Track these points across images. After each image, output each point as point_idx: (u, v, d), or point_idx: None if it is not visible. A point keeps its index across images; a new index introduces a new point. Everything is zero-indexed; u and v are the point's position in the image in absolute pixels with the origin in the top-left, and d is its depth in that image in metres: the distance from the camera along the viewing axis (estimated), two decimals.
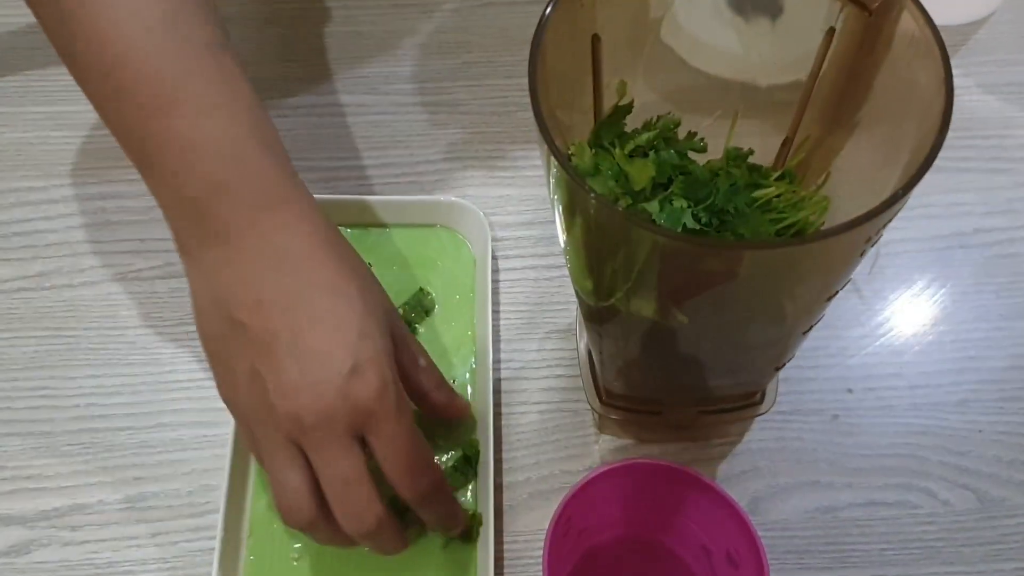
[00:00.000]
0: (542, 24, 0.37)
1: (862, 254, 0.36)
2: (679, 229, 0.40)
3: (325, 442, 0.44)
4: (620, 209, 0.33)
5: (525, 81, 0.36)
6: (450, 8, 0.72)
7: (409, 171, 0.65)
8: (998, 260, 0.62)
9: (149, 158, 0.47)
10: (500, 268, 0.62)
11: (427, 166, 0.66)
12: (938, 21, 0.36)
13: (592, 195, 0.34)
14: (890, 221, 0.35)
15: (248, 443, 0.49)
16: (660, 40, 0.45)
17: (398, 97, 0.69)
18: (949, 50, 0.36)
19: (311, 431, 0.44)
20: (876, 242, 0.36)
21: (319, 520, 0.45)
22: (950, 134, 0.68)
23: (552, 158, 0.35)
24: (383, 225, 0.62)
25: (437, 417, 0.53)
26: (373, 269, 0.58)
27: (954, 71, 0.69)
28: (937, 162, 0.68)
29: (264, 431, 0.45)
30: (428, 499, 0.48)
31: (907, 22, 0.38)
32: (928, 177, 0.65)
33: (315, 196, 0.50)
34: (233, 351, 0.46)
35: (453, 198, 0.61)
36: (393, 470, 0.46)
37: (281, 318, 0.45)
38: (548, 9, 0.37)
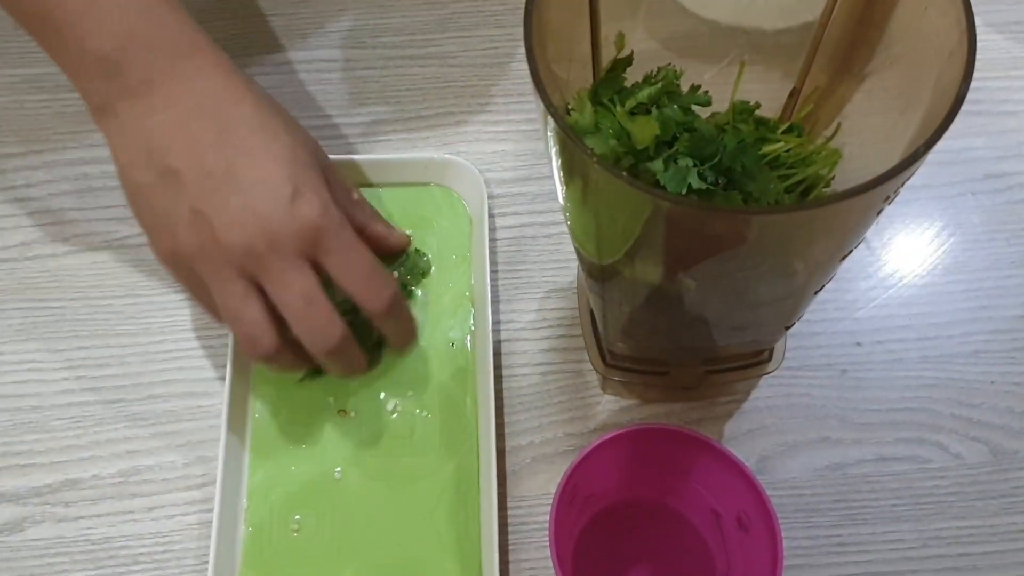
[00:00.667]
0: None
1: (879, 212, 0.35)
2: (684, 190, 0.38)
3: (279, 266, 0.46)
4: (623, 173, 0.31)
5: (516, 30, 0.34)
6: None
7: (400, 127, 0.63)
8: (1009, 206, 0.60)
9: (52, 22, 0.47)
10: (497, 226, 0.60)
11: (418, 122, 0.63)
12: None
13: (593, 158, 0.32)
14: (909, 179, 0.33)
15: (197, 294, 0.50)
16: None
17: (386, 51, 0.66)
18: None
19: (263, 258, 0.45)
20: (894, 200, 0.35)
21: (282, 346, 0.47)
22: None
23: (550, 118, 0.33)
24: (375, 185, 0.60)
25: (377, 251, 0.51)
26: None
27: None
28: None
29: (213, 270, 0.46)
30: (390, 310, 0.49)
31: None
32: None
33: None
34: (168, 199, 0.47)
35: (447, 155, 0.59)
36: (353, 282, 0.47)
37: (216, 157, 0.46)
38: None
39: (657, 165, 0.40)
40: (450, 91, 0.65)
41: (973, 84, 0.64)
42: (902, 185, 0.33)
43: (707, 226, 0.34)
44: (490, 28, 0.67)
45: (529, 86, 0.34)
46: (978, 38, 0.66)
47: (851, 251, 0.38)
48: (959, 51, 0.32)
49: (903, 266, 0.59)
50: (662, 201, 0.32)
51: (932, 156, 0.61)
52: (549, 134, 0.35)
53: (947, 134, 0.62)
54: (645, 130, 0.39)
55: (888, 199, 0.33)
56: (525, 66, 0.34)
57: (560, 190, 0.39)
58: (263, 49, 0.66)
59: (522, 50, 0.34)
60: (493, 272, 0.58)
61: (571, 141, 0.32)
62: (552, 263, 0.59)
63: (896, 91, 0.39)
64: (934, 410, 0.55)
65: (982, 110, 0.63)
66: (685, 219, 0.33)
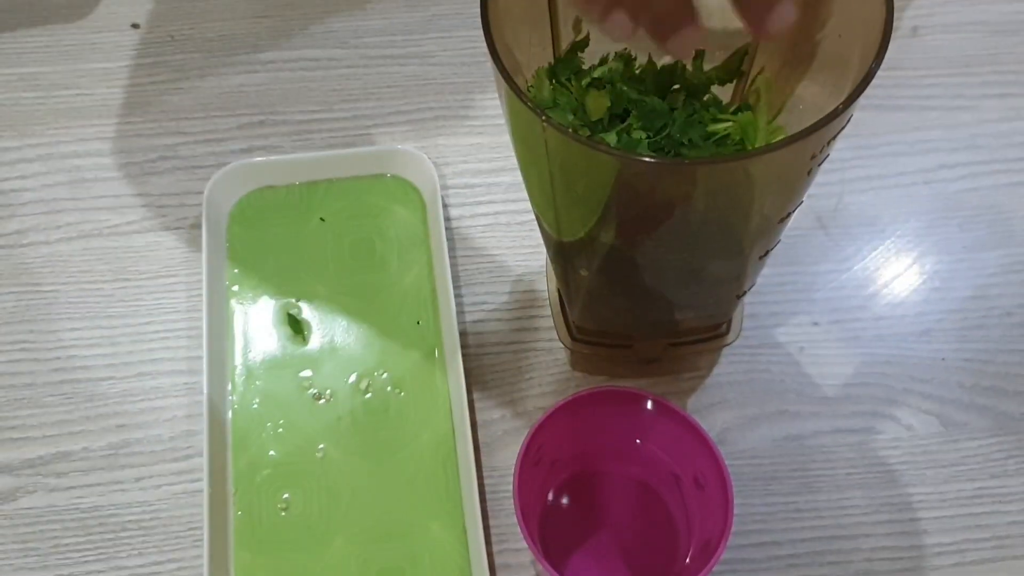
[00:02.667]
0: None
1: (809, 172, 0.37)
2: None
3: None
4: (572, 131, 0.34)
5: None
6: None
7: (381, 122, 0.66)
8: (962, 194, 0.63)
9: None
10: (473, 214, 0.63)
11: (398, 116, 0.66)
12: None
13: (543, 117, 0.34)
14: (835, 138, 0.36)
15: None
16: None
17: (367, 51, 0.69)
18: None
19: None
20: (822, 161, 0.37)
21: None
22: (914, 73, 0.69)
23: (505, 85, 0.36)
24: (332, 180, 0.63)
25: None
26: (323, 223, 0.59)
27: (918, 11, 0.70)
28: (902, 101, 0.69)
29: None
30: None
31: None
32: (893, 115, 0.67)
33: (252, 159, 0.56)
34: None
35: (399, 146, 0.62)
36: None
37: None
38: None
39: (611, 137, 0.42)
40: (429, 88, 0.68)
41: (929, 81, 0.68)
42: (828, 144, 0.36)
43: (654, 182, 0.36)
44: (469, 29, 0.70)
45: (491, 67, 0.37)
46: (933, 39, 0.70)
47: (790, 214, 0.41)
48: (878, 18, 0.35)
49: (859, 250, 0.61)
50: (607, 155, 0.34)
51: (888, 147, 0.65)
52: (506, 104, 0.38)
53: (904, 127, 0.66)
54: (598, 102, 0.41)
55: (815, 157, 0.36)
56: (496, 80, 0.37)
57: (520, 162, 0.42)
58: (250, 48, 0.69)
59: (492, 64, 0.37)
60: (466, 257, 0.61)
61: (522, 102, 0.35)
62: (524, 248, 0.61)
63: (832, 70, 0.42)
64: (888, 385, 0.57)
65: (937, 105, 0.66)
66: (632, 176, 0.36)
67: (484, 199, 0.63)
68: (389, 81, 0.68)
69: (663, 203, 0.38)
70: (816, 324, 0.59)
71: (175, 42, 0.70)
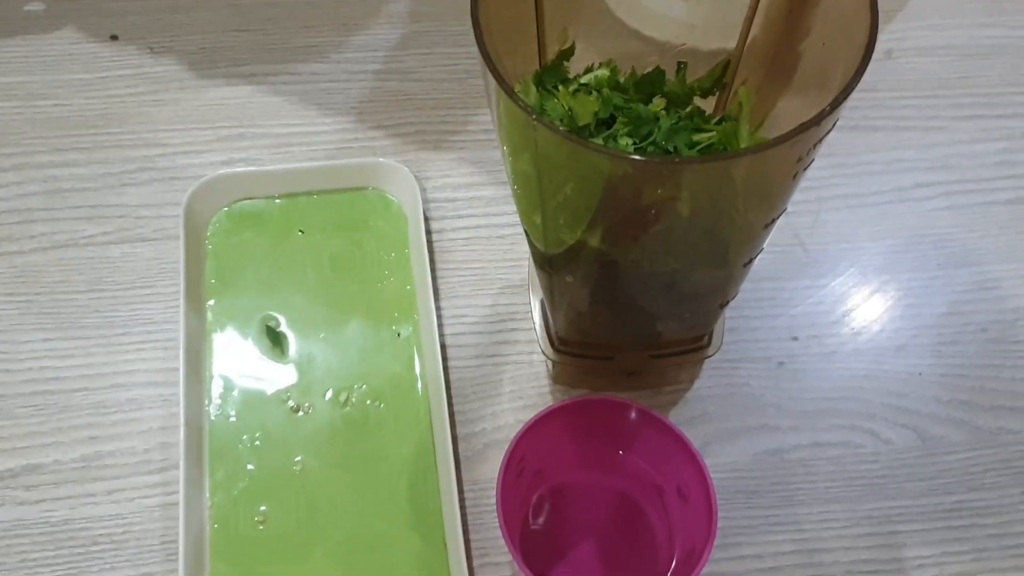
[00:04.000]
0: None
1: (794, 177, 0.38)
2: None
3: None
4: (562, 128, 0.34)
5: (475, 49, 0.37)
6: None
7: (362, 136, 0.66)
8: (936, 213, 0.64)
9: None
10: (455, 227, 0.63)
11: (380, 131, 0.66)
12: None
13: (533, 115, 0.35)
14: (819, 142, 0.37)
15: None
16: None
17: (349, 66, 0.69)
18: (886, 16, 0.38)
19: None
20: (807, 166, 0.38)
21: None
22: (889, 95, 0.70)
23: (496, 85, 0.36)
24: (312, 192, 0.63)
25: None
26: (303, 235, 0.59)
27: (892, 35, 0.72)
28: (878, 121, 0.70)
29: None
30: None
31: None
32: (869, 135, 0.68)
33: (232, 170, 0.58)
34: None
35: (380, 159, 0.62)
36: None
37: None
38: None
39: (597, 142, 0.43)
40: (410, 103, 0.68)
41: (903, 102, 0.69)
42: (813, 148, 0.36)
43: (641, 183, 0.37)
44: (449, 46, 0.71)
45: (485, 99, 0.37)
46: (907, 62, 0.71)
47: (774, 220, 0.41)
48: (861, 29, 0.36)
49: (836, 266, 0.62)
50: (597, 153, 0.34)
51: (865, 167, 0.66)
52: (496, 104, 0.38)
53: (880, 147, 0.67)
54: (586, 106, 0.42)
55: (800, 160, 0.36)
56: (483, 81, 0.37)
57: (507, 166, 0.42)
58: (231, 62, 0.69)
59: (480, 66, 0.37)
60: (448, 270, 0.61)
61: (513, 102, 0.35)
62: (505, 261, 0.61)
63: (814, 81, 0.43)
64: (866, 399, 0.58)
65: (912, 125, 0.68)
66: (619, 176, 0.36)
67: (465, 212, 0.63)
68: (370, 96, 0.68)
69: (650, 206, 0.38)
70: (795, 339, 0.59)
71: (155, 54, 0.70)
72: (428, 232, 0.62)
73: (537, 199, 0.41)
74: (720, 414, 0.57)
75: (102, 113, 0.67)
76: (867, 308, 0.61)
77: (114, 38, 0.70)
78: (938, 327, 0.60)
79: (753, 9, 0.44)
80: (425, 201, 0.63)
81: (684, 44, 0.47)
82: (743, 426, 0.57)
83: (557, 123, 0.43)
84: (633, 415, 0.48)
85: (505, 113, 0.37)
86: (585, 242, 0.42)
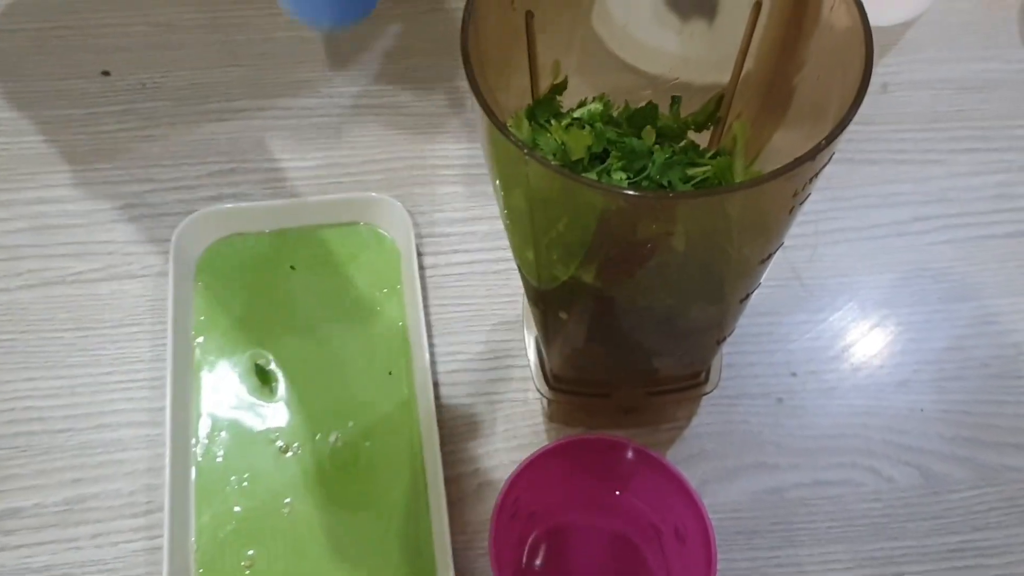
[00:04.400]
0: None
1: (791, 211, 0.37)
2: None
3: None
4: (554, 163, 0.33)
5: (467, 83, 0.36)
6: (393, 14, 0.73)
7: (354, 170, 0.66)
8: (935, 247, 0.63)
9: None
10: (448, 263, 0.62)
11: (372, 165, 0.66)
12: (871, 22, 0.37)
13: (526, 152, 0.34)
14: (816, 176, 0.36)
15: None
16: (592, 30, 0.46)
17: (341, 100, 0.69)
18: (882, 50, 0.37)
19: None
20: (803, 200, 0.37)
21: None
22: (886, 128, 0.70)
23: (486, 120, 0.35)
24: (303, 227, 0.62)
25: None
26: (294, 271, 0.58)
27: (887, 69, 0.71)
28: (875, 155, 0.70)
29: None
30: None
31: None
32: (866, 168, 0.68)
33: (221, 206, 0.58)
34: None
35: (372, 194, 0.62)
36: None
37: None
38: None
39: (590, 177, 0.42)
40: (403, 138, 0.67)
41: (899, 135, 0.69)
42: (810, 182, 0.36)
43: (636, 218, 0.36)
44: (443, 81, 0.70)
45: (471, 103, 0.36)
46: (902, 95, 0.71)
47: (771, 255, 0.40)
48: (857, 55, 0.35)
49: (834, 301, 0.61)
50: (590, 189, 0.34)
51: (862, 200, 0.65)
52: (487, 140, 0.37)
53: (876, 180, 0.66)
54: (579, 140, 0.41)
55: (797, 195, 0.36)
56: (477, 116, 0.36)
57: (499, 202, 0.41)
58: (221, 97, 0.69)
59: (471, 100, 0.36)
60: (441, 306, 0.60)
61: (505, 137, 0.34)
62: (499, 297, 0.61)
63: (810, 114, 0.42)
64: (867, 436, 0.56)
65: (907, 159, 0.67)
66: (613, 211, 0.35)
67: (460, 248, 0.63)
68: (363, 131, 0.67)
69: (645, 241, 0.37)
70: (794, 375, 0.58)
71: (146, 90, 0.69)
72: (421, 267, 0.61)
73: (530, 235, 0.40)
74: (718, 452, 0.56)
75: (92, 149, 0.66)
76: (867, 343, 0.60)
77: (105, 74, 0.70)
78: (939, 362, 0.59)
79: (747, 43, 0.44)
80: (418, 236, 0.62)
81: (678, 78, 0.47)
82: (742, 464, 0.55)
83: (550, 157, 0.42)
84: (630, 454, 0.47)
85: (496, 148, 0.37)
86: (579, 278, 0.41)
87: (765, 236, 0.39)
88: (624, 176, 0.42)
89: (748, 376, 0.58)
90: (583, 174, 0.42)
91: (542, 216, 0.38)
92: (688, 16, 0.45)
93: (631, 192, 0.33)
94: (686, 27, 0.46)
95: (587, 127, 0.43)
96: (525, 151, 0.34)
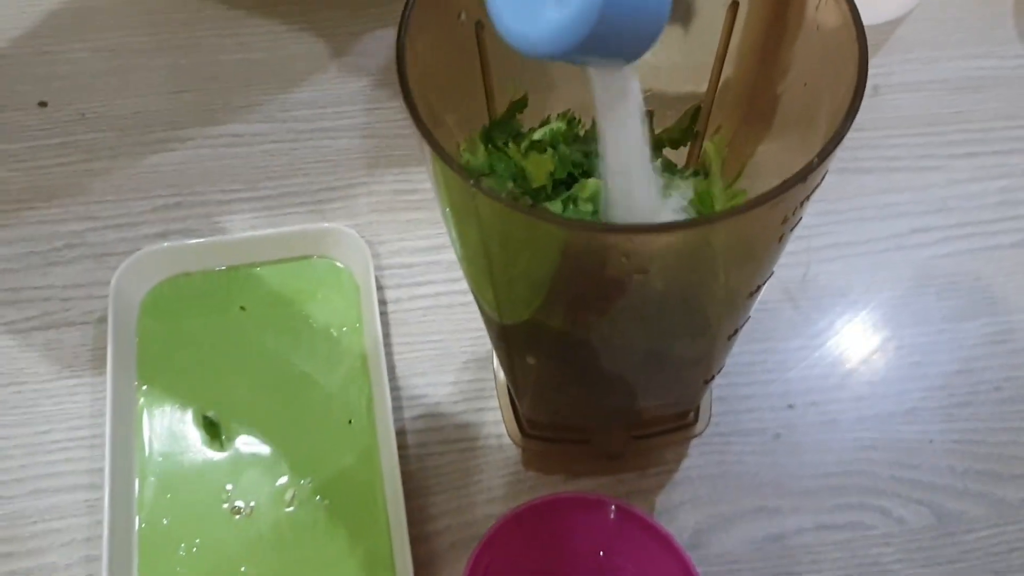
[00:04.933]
0: (410, 3, 0.33)
1: (780, 239, 0.32)
2: None
3: None
4: (508, 194, 0.29)
5: None
6: (348, 31, 0.68)
7: (309, 199, 0.61)
8: (936, 260, 0.59)
9: None
10: (412, 296, 0.57)
11: (328, 193, 0.61)
12: None
13: (473, 184, 0.29)
14: (807, 199, 0.31)
15: None
16: None
17: (295, 124, 0.64)
18: (870, 50, 0.33)
19: None
20: (794, 226, 0.32)
21: None
22: (879, 134, 0.65)
23: (429, 149, 0.31)
24: (254, 264, 0.57)
25: None
26: (245, 312, 0.54)
27: (878, 70, 0.67)
28: (868, 163, 0.65)
29: None
30: None
31: None
32: (859, 178, 0.63)
33: (165, 244, 0.53)
34: None
35: (325, 224, 0.57)
36: None
37: None
38: None
39: (555, 205, 0.37)
40: (361, 162, 0.63)
41: (893, 141, 0.64)
42: (800, 207, 0.31)
43: (604, 255, 0.31)
44: (402, 100, 0.65)
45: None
46: (895, 98, 0.66)
47: (759, 287, 0.36)
48: (850, 66, 0.31)
49: (832, 324, 0.56)
50: (548, 224, 0.29)
51: (856, 213, 0.61)
52: (431, 169, 0.33)
53: (871, 190, 0.62)
54: (539, 167, 0.36)
55: (787, 221, 0.31)
56: (417, 143, 0.32)
57: (452, 238, 0.37)
58: (168, 125, 0.64)
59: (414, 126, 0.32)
60: (405, 344, 0.55)
61: (449, 167, 0.30)
62: (468, 332, 0.56)
63: (797, 126, 0.38)
64: (873, 472, 0.52)
65: (903, 166, 0.63)
66: (579, 247, 0.31)
67: (423, 279, 0.58)
68: (319, 156, 0.63)
69: (617, 278, 0.33)
70: (791, 407, 0.54)
71: (86, 120, 0.64)
72: (382, 302, 0.56)
73: (487, 273, 0.36)
74: (713, 497, 0.51)
75: (28, 186, 0.62)
76: (868, 369, 0.55)
77: (42, 104, 0.65)
78: (948, 387, 0.54)
79: (724, 47, 0.39)
80: (378, 268, 0.58)
81: (649, 90, 0.42)
82: (739, 510, 0.51)
83: (509, 184, 0.38)
84: (612, 512, 0.42)
85: (442, 179, 0.32)
86: (545, 319, 0.36)
87: (753, 267, 0.34)
88: (591, 208, 0.37)
89: (742, 411, 0.53)
90: (547, 202, 0.37)
91: (499, 254, 0.33)
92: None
93: (597, 226, 0.28)
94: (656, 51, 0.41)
95: (549, 150, 0.38)
96: (471, 182, 0.29)
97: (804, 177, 0.29)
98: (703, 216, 0.35)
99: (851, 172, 0.62)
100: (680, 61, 0.42)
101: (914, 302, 0.57)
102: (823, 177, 0.31)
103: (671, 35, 0.41)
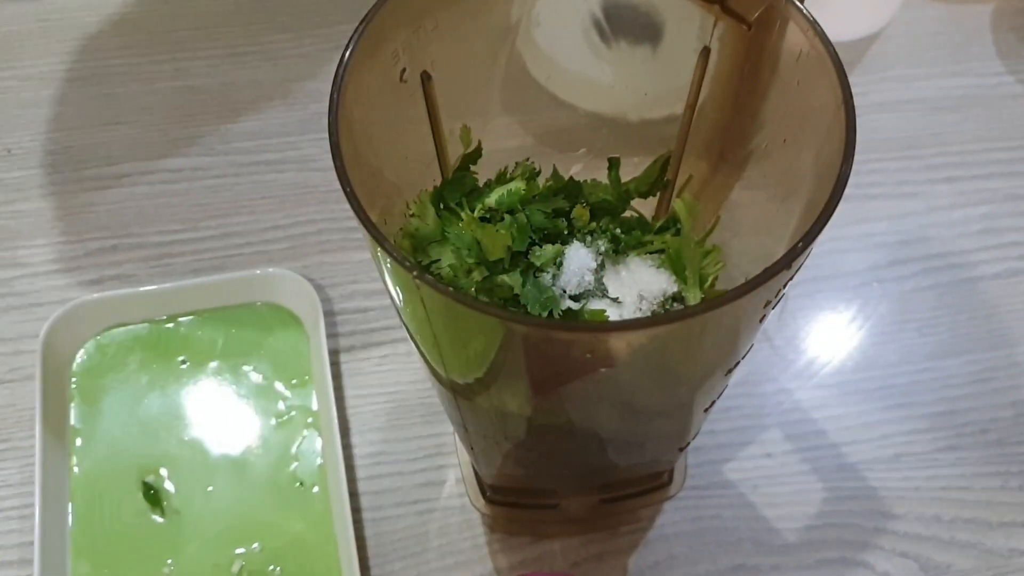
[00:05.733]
0: (343, 64, 0.29)
1: (762, 319, 0.29)
2: (547, 312, 0.32)
3: None
4: (450, 288, 0.25)
5: None
6: (296, 54, 0.65)
7: (255, 239, 0.57)
8: (918, 294, 0.56)
9: None
10: (366, 344, 0.54)
11: (275, 232, 0.57)
12: (831, 38, 0.30)
13: (415, 275, 0.26)
14: (790, 279, 0.28)
15: None
16: (512, 68, 0.38)
17: (239, 156, 0.60)
18: (844, 68, 0.30)
19: None
20: (777, 303, 0.29)
21: None
22: (854, 159, 0.63)
23: (365, 232, 0.27)
24: (194, 312, 0.53)
25: None
26: (187, 366, 0.50)
27: (852, 90, 0.64)
28: (844, 190, 0.62)
29: None
30: None
31: (793, 35, 0.31)
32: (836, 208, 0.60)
33: (99, 294, 0.49)
34: None
35: (271, 269, 0.53)
36: None
37: None
38: (351, 43, 0.30)
39: (515, 278, 0.34)
40: (311, 197, 0.59)
41: (871, 167, 0.61)
42: (785, 286, 0.28)
43: (564, 350, 0.28)
44: None
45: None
46: (870, 119, 0.63)
47: (738, 363, 0.32)
48: (836, 127, 0.28)
49: (810, 365, 0.54)
50: (497, 320, 0.26)
51: (833, 244, 0.58)
52: (371, 252, 0.29)
53: (847, 220, 0.59)
54: (496, 241, 0.33)
55: (769, 304, 0.28)
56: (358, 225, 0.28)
57: (397, 311, 0.33)
58: (101, 161, 0.60)
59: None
60: (359, 397, 0.52)
61: (388, 254, 0.26)
62: (427, 382, 0.52)
63: (776, 178, 0.35)
64: (856, 524, 0.49)
65: (881, 193, 0.60)
66: (532, 340, 0.27)
67: (378, 325, 0.54)
68: (264, 191, 0.59)
69: (580, 368, 0.29)
70: (769, 455, 0.51)
71: (12, 156, 0.60)
72: (334, 352, 0.53)
73: (438, 357, 0.32)
74: (689, 556, 0.48)
75: None
76: (849, 413, 0.52)
77: None
78: (932, 431, 0.52)
79: (695, 95, 0.36)
80: (329, 314, 0.54)
81: (616, 136, 0.39)
82: (716, 569, 0.48)
83: (464, 254, 0.34)
84: None
85: (383, 261, 0.29)
86: (502, 406, 0.33)
87: (731, 348, 0.31)
88: (550, 277, 0.34)
89: (718, 461, 0.51)
90: (505, 274, 0.34)
91: (448, 341, 0.30)
92: (627, 65, 0.37)
93: (558, 324, 0.25)
94: (618, 55, 0.38)
95: (507, 218, 0.35)
96: (415, 274, 0.26)
97: (788, 263, 0.26)
98: (676, 312, 0.32)
99: None
100: (649, 104, 0.38)
101: (894, 339, 0.55)
102: (808, 257, 0.28)
103: (640, 77, 0.38)
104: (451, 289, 0.26)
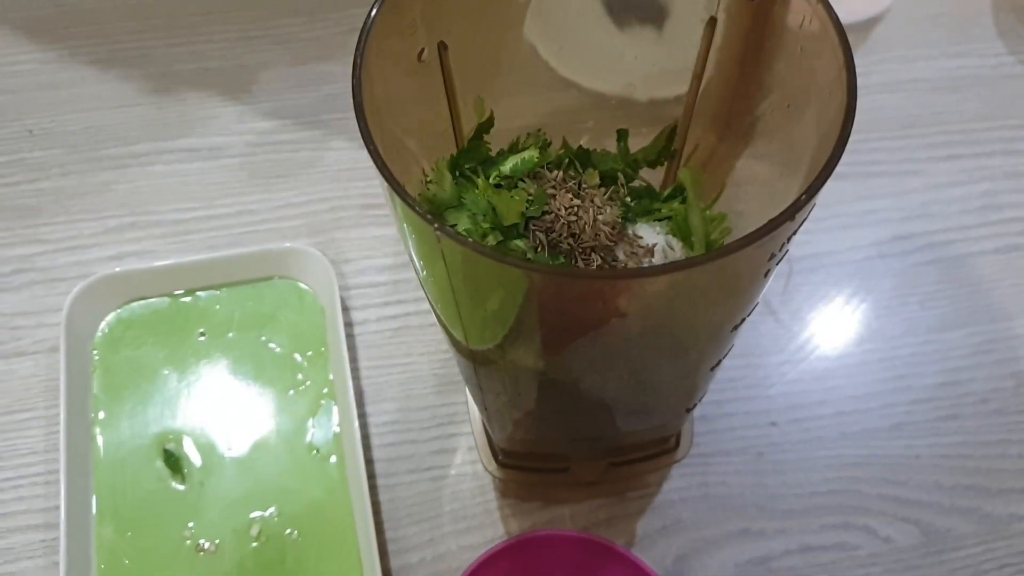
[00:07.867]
0: (367, 28, 0.31)
1: (767, 274, 0.31)
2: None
3: None
4: (469, 240, 0.26)
5: None
6: (308, 37, 0.66)
7: (269, 217, 0.58)
8: (919, 268, 0.57)
9: None
10: (380, 316, 0.55)
11: (289, 210, 0.59)
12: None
13: (437, 228, 0.27)
14: (794, 233, 0.29)
15: None
16: (522, 47, 0.39)
17: (253, 137, 0.61)
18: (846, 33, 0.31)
19: None
20: (781, 259, 0.31)
21: None
22: (856, 138, 0.64)
23: (388, 187, 0.29)
24: (213, 287, 0.55)
25: None
26: (205, 338, 0.51)
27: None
28: (846, 168, 0.63)
29: None
30: None
31: (797, 2, 0.32)
32: (837, 185, 0.61)
33: (120, 269, 0.50)
34: None
35: (287, 244, 0.55)
36: None
37: None
38: (373, 10, 0.31)
39: (528, 243, 0.35)
40: (325, 176, 0.60)
41: (872, 145, 0.62)
42: (788, 241, 0.29)
43: (578, 298, 0.29)
44: None
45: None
46: (872, 99, 0.65)
47: (744, 319, 0.34)
48: (838, 92, 0.29)
49: (814, 337, 0.55)
50: (518, 270, 0.27)
51: (836, 220, 0.59)
52: (391, 205, 0.30)
53: (850, 197, 0.60)
54: (510, 206, 0.34)
55: (774, 257, 0.29)
56: (379, 181, 0.30)
57: (418, 273, 0.34)
58: (119, 141, 0.61)
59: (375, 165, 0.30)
60: (374, 368, 0.53)
61: (411, 209, 0.28)
62: (439, 353, 0.54)
63: (779, 146, 0.36)
64: (859, 491, 0.50)
65: (883, 171, 0.61)
66: (548, 290, 0.29)
67: (392, 299, 0.56)
68: (279, 170, 0.60)
69: (593, 320, 0.31)
70: (774, 424, 0.52)
71: (33, 137, 0.61)
72: (348, 324, 0.54)
73: (456, 314, 0.34)
74: (696, 520, 0.49)
75: None
76: (852, 383, 0.54)
77: None
78: (934, 400, 0.53)
79: (702, 65, 0.37)
80: (344, 288, 0.55)
81: (625, 107, 0.40)
82: (722, 533, 0.49)
83: (480, 218, 0.36)
84: (592, 550, 0.40)
85: (404, 218, 0.30)
86: (517, 360, 0.34)
87: (737, 302, 0.32)
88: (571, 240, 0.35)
89: (723, 429, 0.52)
90: (519, 240, 0.35)
91: (466, 296, 0.31)
92: (634, 38, 0.39)
93: (572, 272, 0.26)
94: (631, 49, 0.39)
95: (522, 184, 0.36)
96: (435, 227, 0.27)
97: (792, 215, 0.27)
98: (685, 260, 0.33)
99: (830, 178, 0.60)
100: (656, 77, 0.40)
101: (897, 312, 0.56)
102: (811, 210, 0.29)
103: (647, 50, 0.39)
104: (470, 240, 0.27)
